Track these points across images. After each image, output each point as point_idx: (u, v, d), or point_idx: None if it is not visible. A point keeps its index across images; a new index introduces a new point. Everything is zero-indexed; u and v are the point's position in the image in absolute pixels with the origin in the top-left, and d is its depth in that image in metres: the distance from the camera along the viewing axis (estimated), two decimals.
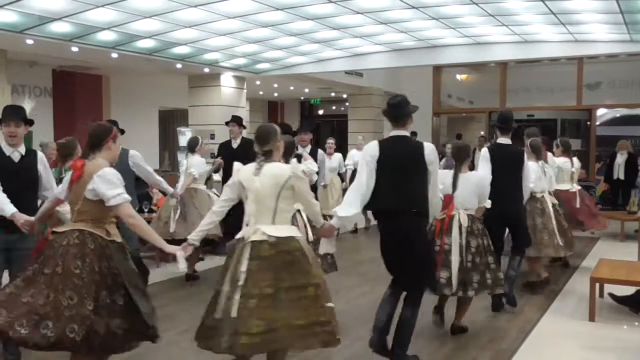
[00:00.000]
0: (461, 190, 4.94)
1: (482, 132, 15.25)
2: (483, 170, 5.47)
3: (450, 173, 5.01)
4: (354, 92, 16.00)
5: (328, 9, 8.00)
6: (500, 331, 5.26)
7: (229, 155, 6.64)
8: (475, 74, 16.66)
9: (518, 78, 15.49)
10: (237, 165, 3.85)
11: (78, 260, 3.32)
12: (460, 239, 4.83)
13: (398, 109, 4.34)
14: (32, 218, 4.12)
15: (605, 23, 8.54)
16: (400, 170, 4.19)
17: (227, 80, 12.18)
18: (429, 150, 4.26)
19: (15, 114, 4.38)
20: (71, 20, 7.60)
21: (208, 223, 3.87)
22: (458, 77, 16.86)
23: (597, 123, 15.21)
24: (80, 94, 12.34)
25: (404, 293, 4.33)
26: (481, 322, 5.47)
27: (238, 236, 3.67)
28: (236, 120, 7.62)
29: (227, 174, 4.24)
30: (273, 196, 3.61)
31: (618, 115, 15.84)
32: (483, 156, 5.67)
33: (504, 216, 5.52)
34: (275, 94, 18.10)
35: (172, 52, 9.86)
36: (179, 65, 10.75)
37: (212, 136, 11.42)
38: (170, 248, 3.71)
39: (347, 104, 17.28)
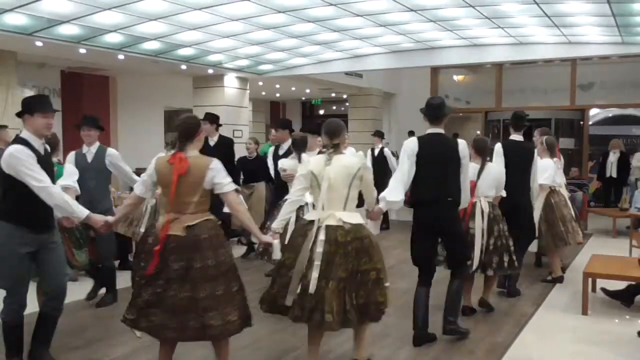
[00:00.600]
0: (482, 180, 5.39)
1: (477, 132, 15.24)
2: (497, 165, 5.77)
3: (473, 165, 5.35)
4: (353, 93, 15.98)
5: (328, 11, 7.99)
6: (496, 325, 5.27)
7: (204, 153, 6.00)
8: (471, 74, 16.63)
9: (513, 79, 15.47)
10: (305, 156, 4.61)
11: (222, 248, 3.60)
12: (483, 224, 5.27)
13: (438, 110, 4.70)
14: (110, 218, 4.07)
15: (597, 25, 8.53)
16: (437, 164, 4.58)
17: (231, 81, 12.17)
18: (462, 146, 4.66)
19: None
20: (79, 23, 7.59)
21: (288, 211, 4.12)
22: (455, 78, 16.83)
23: (590, 122, 15.19)
24: (88, 94, 12.32)
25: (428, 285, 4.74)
26: (477, 316, 5.47)
27: (308, 218, 3.97)
28: (209, 119, 7.19)
29: None
30: (345, 185, 3.89)
31: (610, 115, 15.83)
32: (497, 151, 5.96)
33: (515, 207, 5.81)
34: (278, 95, 18.09)
35: (177, 54, 9.85)
36: (183, 67, 10.74)
37: None
38: (265, 238, 3.97)
39: (347, 104, 17.26)
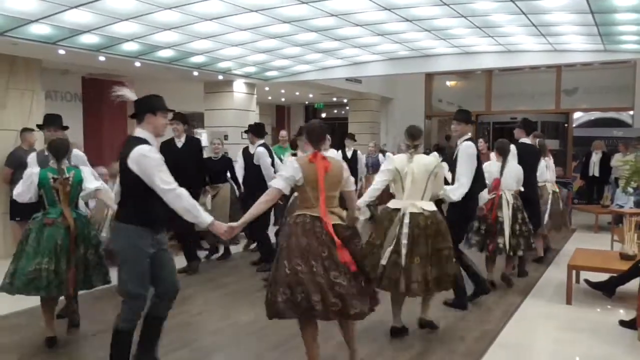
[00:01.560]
0: (505, 177, 6.07)
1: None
2: (514, 163, 6.35)
3: (495, 163, 6.16)
4: (353, 97, 15.97)
5: (330, 22, 7.98)
6: (486, 313, 5.28)
7: (171, 155, 5.28)
8: (463, 80, 16.63)
9: (502, 84, 15.47)
10: (390, 155, 5.01)
11: (358, 239, 3.76)
12: (509, 212, 5.96)
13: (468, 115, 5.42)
14: (234, 224, 3.68)
15: (581, 34, 8.52)
16: (479, 164, 5.20)
17: (239, 87, 12.17)
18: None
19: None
20: (99, 33, 7.60)
21: (372, 196, 4.53)
22: (448, 83, 16.83)
23: (574, 125, 15.18)
24: (107, 99, 12.22)
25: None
26: (469, 305, 5.47)
27: (392, 206, 4.49)
28: (180, 118, 6.76)
29: (173, 176, 3.56)
30: (424, 179, 4.45)
31: (593, 118, 15.80)
32: (512, 153, 6.42)
33: (526, 199, 6.33)
34: (283, 99, 18.09)
35: (189, 61, 9.85)
36: (195, 73, 10.75)
37: (226, 137, 11.43)
38: None
39: (347, 107, 17.26)
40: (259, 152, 7.04)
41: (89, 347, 4.46)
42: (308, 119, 20.50)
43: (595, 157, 12.28)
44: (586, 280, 5.99)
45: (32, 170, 4.42)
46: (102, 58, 8.79)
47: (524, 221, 6.08)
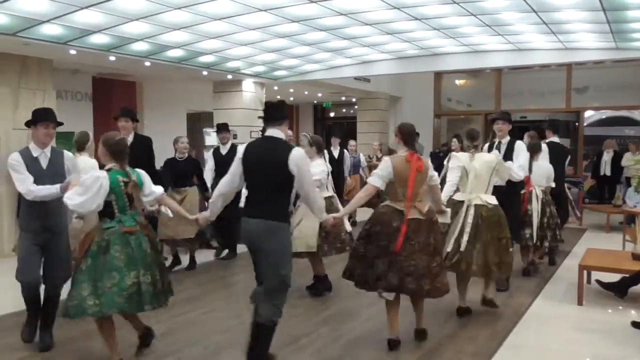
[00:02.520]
0: (534, 174, 6.58)
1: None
2: (545, 161, 6.85)
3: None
4: (362, 96, 15.95)
5: (339, 21, 7.97)
6: (496, 313, 5.25)
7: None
8: (472, 79, 16.55)
9: (512, 83, 15.37)
10: (455, 153, 5.39)
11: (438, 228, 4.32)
12: (538, 206, 6.47)
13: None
14: (337, 215, 4.29)
15: (592, 32, 8.45)
16: None
17: (248, 86, 12.18)
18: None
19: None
20: (109, 33, 7.63)
21: (450, 191, 5.05)
22: (457, 82, 16.75)
23: (585, 124, 15.07)
24: (117, 98, 12.39)
25: None
26: (478, 305, 5.44)
27: (458, 199, 5.03)
28: (129, 115, 6.49)
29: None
30: (487, 175, 5.04)
31: (604, 116, 15.68)
32: (544, 151, 6.94)
33: (556, 194, 6.91)
34: (291, 98, 18.08)
35: (198, 61, 9.87)
36: (204, 73, 10.77)
37: (235, 136, 11.44)
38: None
39: (356, 107, 17.23)
40: None
41: (97, 345, 4.46)
42: (317, 118, 20.51)
43: (607, 156, 12.18)
44: (598, 281, 5.94)
45: (98, 174, 3.76)
46: (112, 58, 8.83)
47: (552, 215, 6.64)
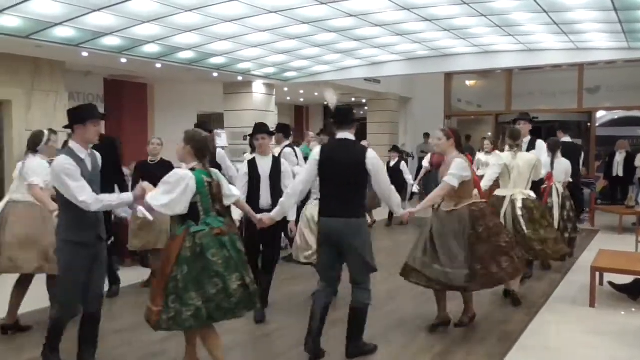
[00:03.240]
0: (555, 170, 7.02)
1: (489, 133, 15.08)
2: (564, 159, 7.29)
3: (546, 159, 6.86)
4: (372, 97, 15.93)
5: (349, 22, 7.97)
6: (507, 315, 5.22)
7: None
8: (483, 80, 16.48)
9: (522, 83, 15.28)
10: (498, 152, 6.17)
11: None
12: (558, 200, 6.93)
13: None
14: (413, 209, 4.56)
15: (604, 32, 8.39)
16: None
17: (258, 87, 12.21)
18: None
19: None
20: (121, 35, 7.69)
21: (487, 185, 5.64)
22: (467, 83, 16.68)
23: (597, 124, 14.95)
24: (129, 100, 12.47)
25: None
26: (489, 307, 5.43)
27: (500, 194, 5.67)
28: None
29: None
30: (528, 172, 5.63)
31: (616, 117, 15.55)
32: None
33: (573, 189, 7.46)
34: (301, 100, 18.12)
35: (209, 62, 9.91)
36: (215, 74, 10.81)
37: (245, 137, 11.47)
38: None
39: (366, 108, 17.21)
40: (286, 153, 7.02)
41: (112, 344, 4.49)
42: (327, 120, 20.50)
43: (619, 157, 12.08)
44: (610, 283, 5.90)
45: (184, 174, 3.53)
46: (123, 60, 8.89)
47: (571, 207, 7.13)
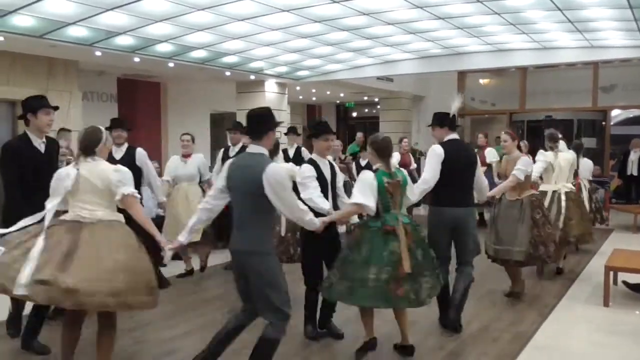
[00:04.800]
0: (582, 168, 7.86)
1: (503, 132, 14.95)
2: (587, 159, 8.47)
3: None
4: (385, 96, 15.89)
5: (362, 20, 7.96)
6: (520, 315, 5.19)
7: (32, 158, 4.31)
8: (496, 78, 16.37)
9: (537, 82, 15.16)
10: (542, 152, 6.47)
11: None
12: (586, 194, 7.70)
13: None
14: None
15: (619, 30, 8.31)
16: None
17: (271, 86, 12.24)
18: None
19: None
20: (134, 34, 7.74)
21: (537, 175, 6.37)
22: (481, 81, 16.59)
23: (612, 123, 14.81)
24: (142, 99, 12.55)
25: None
26: (502, 306, 5.40)
27: (543, 189, 6.44)
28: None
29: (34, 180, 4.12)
30: (567, 169, 6.60)
31: (631, 115, 15.38)
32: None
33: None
34: (314, 98, 18.12)
35: (222, 62, 9.95)
36: (228, 73, 10.85)
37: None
38: None
39: (378, 106, 17.18)
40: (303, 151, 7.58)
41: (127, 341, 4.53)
42: (339, 118, 20.51)
43: (634, 156, 11.97)
44: (624, 282, 5.85)
45: (369, 175, 3.98)
46: (136, 59, 8.95)
47: (597, 200, 8.21)
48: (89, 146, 3.56)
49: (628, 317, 5.14)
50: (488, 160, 9.54)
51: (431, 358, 4.21)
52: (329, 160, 4.57)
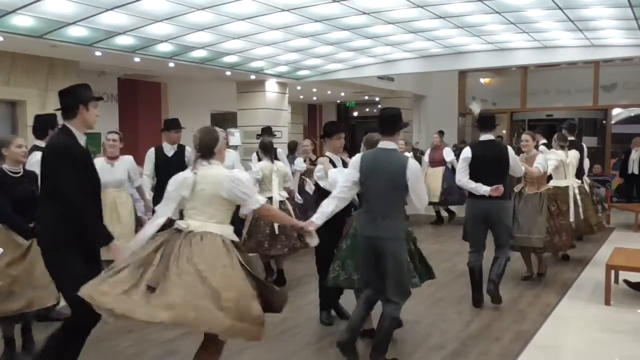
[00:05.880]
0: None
1: (503, 131, 14.97)
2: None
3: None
4: (385, 95, 15.90)
5: (362, 20, 7.96)
6: (522, 313, 5.18)
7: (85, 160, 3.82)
8: (497, 77, 16.37)
9: (538, 81, 15.17)
10: (553, 150, 6.91)
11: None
12: (588, 189, 7.91)
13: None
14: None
15: (620, 29, 8.30)
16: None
17: (271, 86, 12.24)
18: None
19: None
20: (134, 34, 7.74)
21: (551, 170, 6.65)
22: (482, 80, 16.59)
23: (613, 122, 14.80)
24: (142, 99, 12.56)
25: None
26: (503, 305, 5.39)
27: (558, 185, 6.80)
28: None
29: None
30: (576, 165, 7.18)
31: (632, 114, 15.37)
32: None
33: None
34: (314, 98, 18.13)
35: (222, 61, 9.95)
36: (228, 73, 10.85)
37: (258, 136, 11.49)
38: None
39: (379, 106, 17.19)
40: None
41: (122, 344, 4.53)
42: (340, 118, 20.50)
43: (635, 155, 11.95)
44: (625, 281, 5.84)
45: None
46: (137, 59, 8.95)
47: (597, 194, 8.51)
48: (208, 147, 3.26)
49: (629, 316, 5.13)
50: (448, 159, 10.03)
51: (432, 357, 4.20)
52: (341, 157, 4.85)
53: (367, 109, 20.45)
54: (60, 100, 3.51)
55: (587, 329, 4.82)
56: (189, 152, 5.98)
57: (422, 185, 3.94)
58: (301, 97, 17.04)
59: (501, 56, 10.32)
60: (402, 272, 3.78)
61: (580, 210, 7.04)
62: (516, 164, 5.37)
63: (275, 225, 5.72)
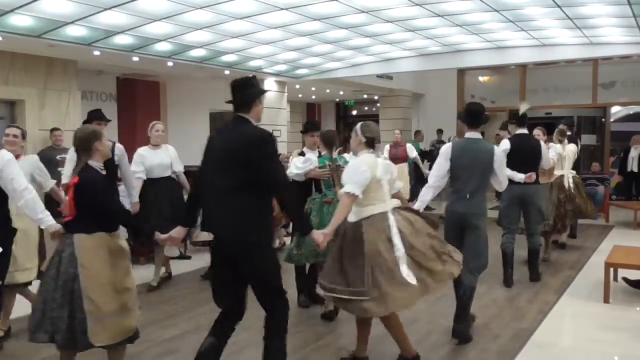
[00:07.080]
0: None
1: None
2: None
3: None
4: (384, 94, 15.89)
5: (361, 18, 7.96)
6: (521, 311, 5.20)
7: None
8: (496, 75, 16.36)
9: (537, 79, 15.16)
10: (552, 144, 7.40)
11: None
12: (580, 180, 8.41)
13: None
14: None
15: (619, 26, 8.30)
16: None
17: (270, 85, 12.24)
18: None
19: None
20: (133, 34, 7.74)
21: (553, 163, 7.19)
22: (480, 78, 16.58)
23: (612, 120, 14.81)
24: (141, 98, 12.52)
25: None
26: (503, 303, 5.41)
27: (559, 174, 7.40)
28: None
29: None
30: (572, 158, 7.76)
31: (631, 112, 15.38)
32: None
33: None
34: (313, 97, 18.11)
35: (220, 60, 9.95)
36: (227, 72, 10.84)
37: None
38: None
39: (378, 104, 17.18)
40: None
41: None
42: (339, 117, 20.51)
43: (634, 152, 11.95)
44: (624, 279, 5.86)
45: (310, 157, 5.14)
46: (135, 58, 8.95)
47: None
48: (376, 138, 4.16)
49: (628, 314, 5.15)
50: (412, 155, 10.44)
51: (432, 355, 4.22)
52: (319, 151, 5.36)
53: (366, 108, 20.44)
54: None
55: (586, 327, 4.84)
56: (119, 148, 5.80)
57: (505, 168, 4.60)
58: (300, 96, 17.02)
59: (500, 54, 10.33)
60: (483, 244, 4.35)
61: (575, 197, 7.57)
62: (547, 156, 6.14)
63: None
